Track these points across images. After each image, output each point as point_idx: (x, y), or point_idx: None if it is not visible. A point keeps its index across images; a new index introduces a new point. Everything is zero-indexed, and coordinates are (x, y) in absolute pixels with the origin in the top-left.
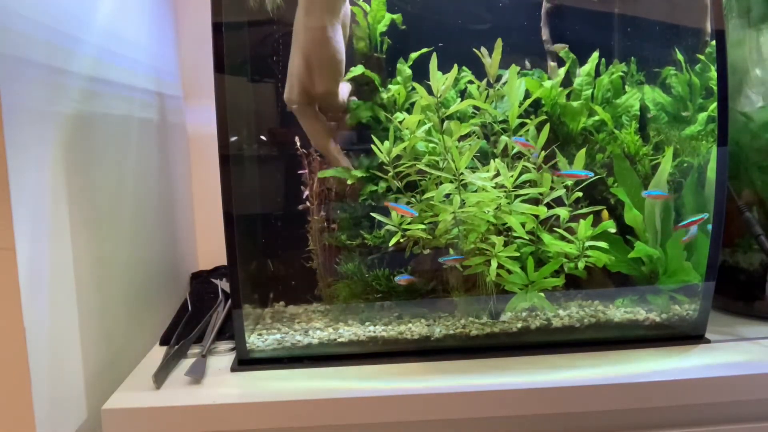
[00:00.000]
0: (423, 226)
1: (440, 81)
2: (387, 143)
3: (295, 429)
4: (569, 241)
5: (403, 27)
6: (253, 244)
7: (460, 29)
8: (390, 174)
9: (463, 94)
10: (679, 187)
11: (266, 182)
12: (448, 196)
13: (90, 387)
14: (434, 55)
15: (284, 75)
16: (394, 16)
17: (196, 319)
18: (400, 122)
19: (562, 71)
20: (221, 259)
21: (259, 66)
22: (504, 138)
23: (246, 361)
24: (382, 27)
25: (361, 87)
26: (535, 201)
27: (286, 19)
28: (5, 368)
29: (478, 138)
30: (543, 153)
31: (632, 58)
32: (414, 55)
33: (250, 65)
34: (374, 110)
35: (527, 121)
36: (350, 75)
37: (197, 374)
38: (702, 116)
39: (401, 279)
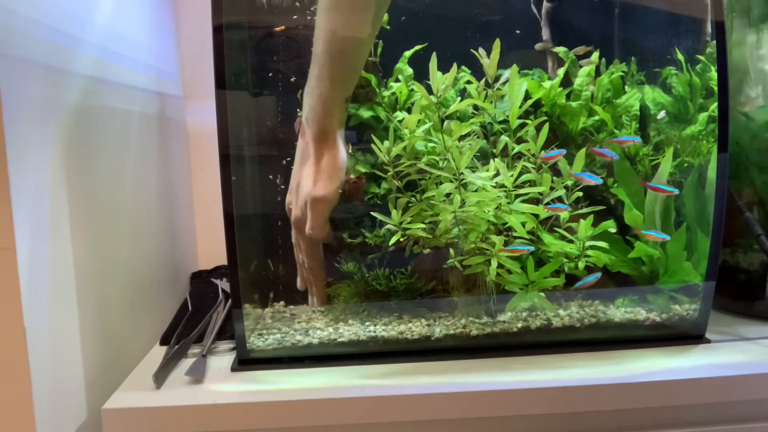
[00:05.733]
0: (423, 226)
1: (440, 80)
2: (387, 142)
3: (295, 429)
4: (569, 241)
5: (388, 27)
6: (253, 243)
7: (456, 29)
8: (390, 173)
9: (462, 94)
10: (679, 187)
11: (267, 182)
12: (448, 195)
13: (90, 387)
14: (434, 54)
15: (285, 74)
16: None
17: (196, 319)
18: (400, 121)
19: (561, 71)
20: (221, 259)
21: (260, 66)
22: (504, 138)
23: (246, 361)
24: None
25: (357, 90)
26: (536, 201)
27: (286, 18)
28: (5, 368)
29: (478, 138)
30: (542, 153)
31: (632, 57)
32: (408, 54)
33: (251, 65)
34: (374, 110)
35: (527, 121)
36: None
37: (197, 374)
38: (702, 116)
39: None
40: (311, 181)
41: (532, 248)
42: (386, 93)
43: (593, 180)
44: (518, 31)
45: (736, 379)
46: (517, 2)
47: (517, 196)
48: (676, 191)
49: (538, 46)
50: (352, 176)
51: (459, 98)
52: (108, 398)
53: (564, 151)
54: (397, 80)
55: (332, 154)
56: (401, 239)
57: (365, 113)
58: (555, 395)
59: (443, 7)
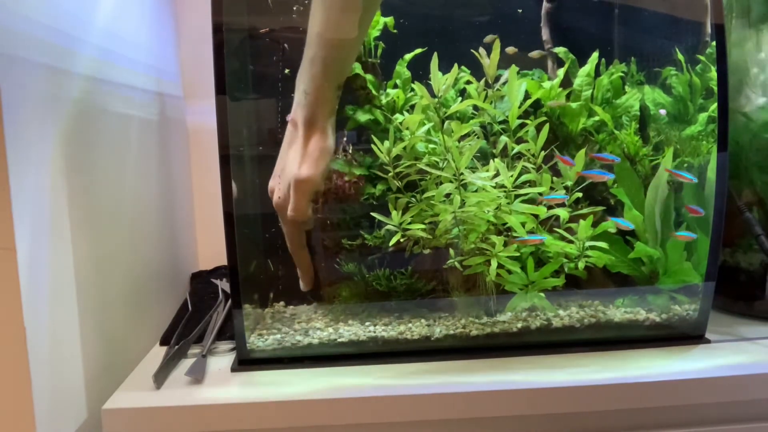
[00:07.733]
0: (423, 226)
1: (441, 81)
2: (387, 143)
3: (295, 429)
4: (569, 242)
5: (395, 31)
6: (253, 244)
7: (456, 29)
8: (390, 174)
9: (462, 94)
10: (679, 187)
11: (267, 182)
12: (448, 195)
13: (90, 387)
14: (435, 54)
15: (285, 74)
16: (386, 20)
17: (196, 319)
18: (401, 123)
19: (561, 72)
20: (221, 259)
21: (260, 66)
22: (504, 138)
23: (246, 361)
24: (374, 32)
25: (356, 91)
26: (535, 201)
27: (287, 18)
28: (5, 368)
29: (478, 138)
30: (542, 153)
31: (632, 58)
32: (408, 57)
33: (251, 65)
34: (372, 113)
35: (527, 121)
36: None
37: (197, 374)
38: (702, 116)
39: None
40: (297, 163)
41: (545, 238)
42: (384, 99)
43: (606, 176)
44: (520, 14)
45: (736, 379)
46: (517, 2)
47: (517, 196)
48: (695, 179)
49: (533, 54)
50: (347, 178)
51: (459, 98)
52: (108, 398)
53: (572, 161)
54: (395, 86)
55: (320, 139)
56: (401, 240)
57: (362, 117)
58: (555, 395)
59: (442, 7)
